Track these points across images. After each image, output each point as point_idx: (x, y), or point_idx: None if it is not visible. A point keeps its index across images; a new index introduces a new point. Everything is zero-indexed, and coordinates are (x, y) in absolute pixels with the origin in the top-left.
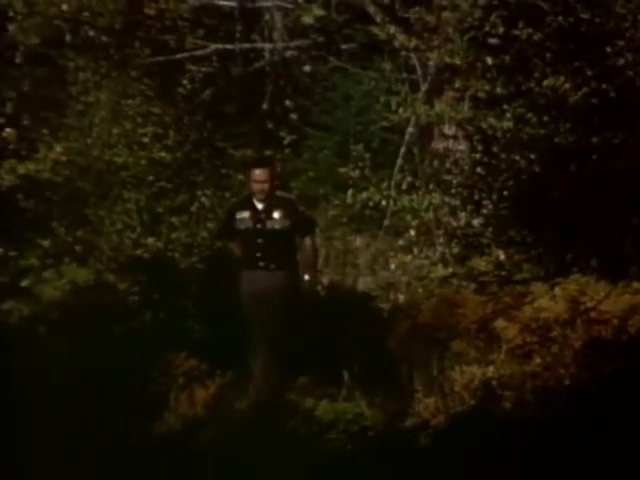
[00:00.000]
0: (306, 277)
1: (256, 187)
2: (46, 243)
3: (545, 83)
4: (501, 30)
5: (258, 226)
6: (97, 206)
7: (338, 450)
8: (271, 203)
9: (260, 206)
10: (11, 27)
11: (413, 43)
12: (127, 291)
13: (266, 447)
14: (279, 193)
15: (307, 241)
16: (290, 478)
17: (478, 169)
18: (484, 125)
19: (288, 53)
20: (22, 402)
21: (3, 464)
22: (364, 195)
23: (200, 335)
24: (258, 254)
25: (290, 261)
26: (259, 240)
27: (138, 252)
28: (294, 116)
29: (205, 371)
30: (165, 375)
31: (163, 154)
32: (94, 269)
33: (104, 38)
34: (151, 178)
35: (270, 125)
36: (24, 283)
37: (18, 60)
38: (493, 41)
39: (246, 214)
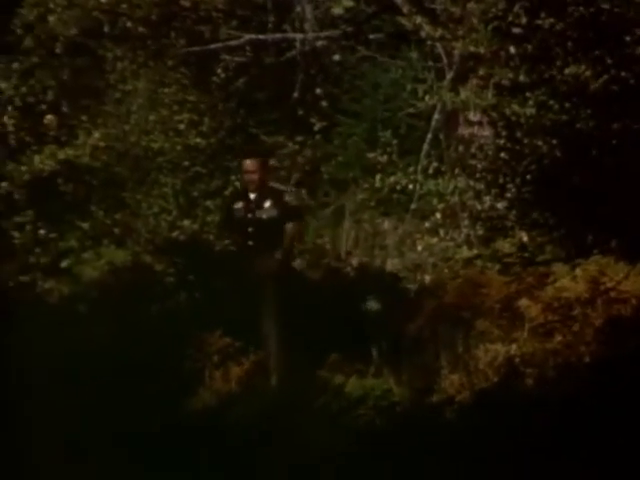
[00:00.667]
0: (276, 256)
1: (246, 177)
2: (85, 225)
3: (566, 71)
4: (524, 20)
5: (249, 215)
6: (134, 190)
7: (367, 425)
8: (262, 194)
9: (252, 196)
10: (51, 19)
11: (439, 33)
12: (163, 272)
13: (298, 422)
14: (273, 184)
15: (288, 226)
16: (322, 452)
17: (502, 154)
18: (508, 112)
19: (318, 43)
20: (63, 379)
21: (50, 436)
22: (392, 179)
23: (234, 314)
24: (250, 242)
25: (279, 248)
26: (250, 229)
27: (174, 234)
28: (324, 103)
29: (239, 349)
30: (200, 353)
31: (198, 140)
32: (132, 251)
33: (141, 29)
34: (186, 163)
35: (301, 112)
36: (64, 264)
37: (58, 50)
38: (516, 31)
39: (240, 204)
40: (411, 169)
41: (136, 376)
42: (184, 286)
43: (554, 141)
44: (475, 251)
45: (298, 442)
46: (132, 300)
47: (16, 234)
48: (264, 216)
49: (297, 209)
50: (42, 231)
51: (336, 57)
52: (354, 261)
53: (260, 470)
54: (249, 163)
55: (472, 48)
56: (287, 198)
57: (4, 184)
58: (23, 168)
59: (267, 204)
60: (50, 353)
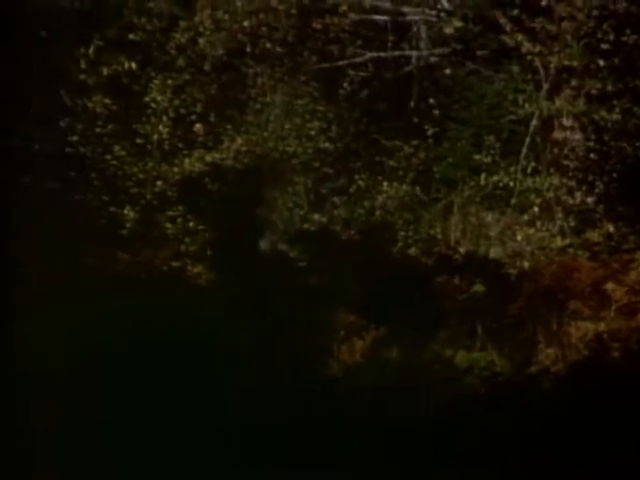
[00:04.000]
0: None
1: None
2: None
3: None
4: (611, 37)
5: None
6: (272, 188)
7: (473, 392)
8: None
9: None
10: (201, 41)
11: (537, 49)
12: (296, 258)
13: (413, 389)
14: None
15: None
16: (433, 417)
17: (591, 155)
18: (596, 117)
19: (432, 59)
20: (215, 347)
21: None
22: (495, 178)
23: (357, 295)
24: None
25: None
26: None
27: (306, 226)
28: (436, 112)
29: (362, 325)
30: (329, 328)
31: (327, 144)
32: (269, 240)
33: (279, 49)
34: (316, 164)
35: (416, 119)
36: (210, 252)
37: (207, 68)
38: (604, 46)
39: None
40: (512, 169)
41: (274, 348)
42: (314, 270)
43: (637, 143)
44: (568, 240)
45: (413, 407)
46: (269, 282)
47: (169, 226)
48: None
49: None
50: (191, 223)
51: (447, 71)
52: (462, 249)
53: (386, 426)
54: None
55: (566, 62)
56: None
57: (159, 183)
58: (175, 169)
59: None
60: (201, 324)
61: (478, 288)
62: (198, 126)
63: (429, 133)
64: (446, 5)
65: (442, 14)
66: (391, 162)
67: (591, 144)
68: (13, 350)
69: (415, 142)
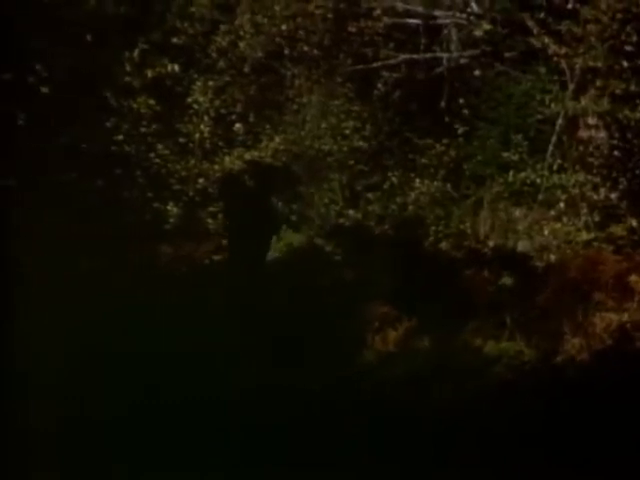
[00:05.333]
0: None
1: None
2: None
3: None
4: (634, 39)
5: None
6: (308, 185)
7: (502, 380)
8: None
9: None
10: (241, 44)
11: (563, 50)
12: (332, 252)
13: (444, 378)
14: None
15: None
16: (464, 403)
17: (615, 152)
18: (620, 116)
19: (462, 60)
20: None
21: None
22: (522, 175)
23: (390, 287)
24: None
25: None
26: None
27: (341, 221)
28: (466, 111)
29: (395, 316)
30: (364, 319)
31: (361, 143)
32: (306, 234)
33: (315, 51)
34: (351, 162)
35: (447, 119)
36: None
37: (246, 70)
38: (628, 48)
39: None
40: (539, 166)
41: (309, 337)
42: (349, 264)
43: None
44: (592, 235)
45: (444, 395)
46: (307, 275)
47: (210, 221)
48: None
49: None
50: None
51: (477, 72)
52: (491, 243)
53: (422, 409)
54: None
55: (591, 63)
56: None
57: (200, 180)
58: (216, 167)
59: None
60: (241, 321)
61: (506, 281)
62: (238, 125)
63: (459, 132)
64: (476, 9)
65: (472, 17)
66: (423, 160)
67: (615, 142)
68: (42, 350)
69: (446, 140)
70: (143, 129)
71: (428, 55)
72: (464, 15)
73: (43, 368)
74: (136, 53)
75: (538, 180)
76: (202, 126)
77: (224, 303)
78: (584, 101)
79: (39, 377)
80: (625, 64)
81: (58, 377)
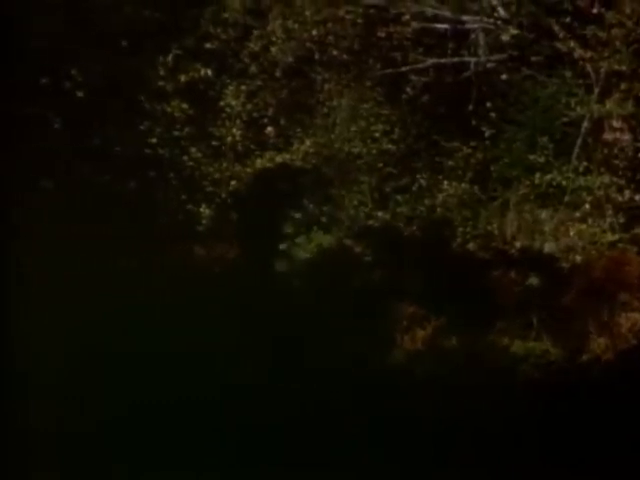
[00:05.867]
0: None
1: None
2: (298, 215)
3: None
4: None
5: None
6: (338, 187)
7: (530, 379)
8: None
9: None
10: (273, 49)
11: (588, 54)
12: (361, 253)
13: (471, 375)
14: None
15: None
16: (493, 400)
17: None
18: None
19: (489, 65)
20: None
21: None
22: (548, 177)
23: (418, 287)
24: None
25: None
26: None
27: (370, 222)
28: (493, 114)
29: (423, 316)
30: (392, 319)
31: (390, 146)
32: (336, 236)
33: (345, 56)
34: (380, 165)
35: (474, 122)
36: (282, 246)
37: (278, 74)
38: None
39: None
40: (564, 168)
41: (339, 336)
42: (378, 264)
43: None
44: (617, 236)
45: (471, 392)
46: (336, 276)
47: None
48: None
49: None
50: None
51: (504, 76)
52: (517, 244)
53: (450, 407)
54: None
55: (615, 67)
56: None
57: (233, 182)
58: (248, 169)
59: None
60: (271, 319)
61: (533, 281)
62: (269, 129)
63: (486, 135)
64: (503, 14)
65: (499, 22)
66: (450, 162)
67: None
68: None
69: (473, 143)
70: (176, 132)
71: (456, 59)
72: (491, 20)
73: (82, 366)
74: (170, 58)
75: (564, 182)
76: (234, 129)
77: (253, 303)
78: (609, 104)
79: (74, 376)
80: None
81: (95, 375)
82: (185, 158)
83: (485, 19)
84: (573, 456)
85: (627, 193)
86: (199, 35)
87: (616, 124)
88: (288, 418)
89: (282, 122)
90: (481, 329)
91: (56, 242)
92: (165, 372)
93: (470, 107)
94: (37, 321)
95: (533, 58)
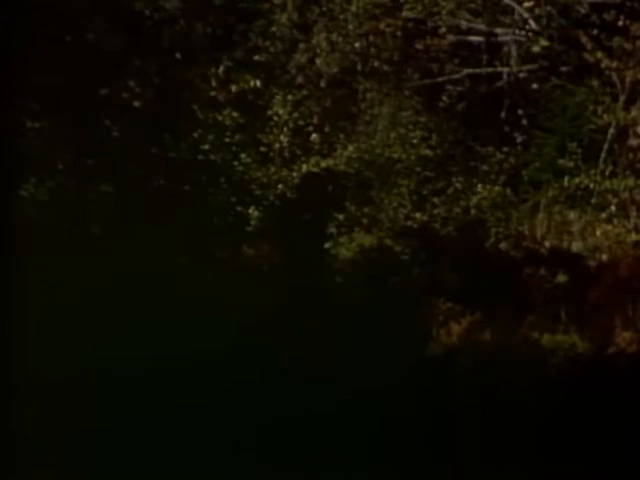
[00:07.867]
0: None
1: None
2: (341, 217)
3: None
4: None
5: None
6: (379, 190)
7: (558, 370)
8: None
9: None
10: (318, 61)
11: (614, 64)
12: (401, 252)
13: (504, 368)
14: None
15: None
16: (521, 392)
17: None
18: None
19: (521, 75)
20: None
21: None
22: (577, 180)
23: (454, 284)
24: None
25: None
26: None
27: (409, 223)
28: (525, 122)
29: (458, 311)
30: (429, 314)
31: (427, 151)
32: (377, 236)
33: (385, 67)
34: (418, 169)
35: (507, 129)
36: (326, 246)
37: (322, 84)
38: None
39: None
40: (592, 172)
41: (380, 331)
42: (417, 263)
43: None
44: None
45: (504, 386)
46: (378, 274)
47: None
48: None
49: None
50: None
51: (534, 86)
52: (547, 244)
53: (483, 396)
54: None
55: None
56: None
57: (280, 186)
58: (294, 174)
59: None
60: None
61: (561, 278)
62: (314, 136)
63: (518, 141)
64: (534, 26)
65: (530, 34)
66: (484, 167)
67: None
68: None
69: (506, 149)
70: (227, 139)
71: (489, 70)
72: (523, 32)
73: (128, 362)
74: (221, 70)
75: (591, 185)
76: (282, 136)
77: (298, 300)
78: (634, 112)
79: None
80: None
81: (151, 372)
82: (235, 163)
83: (517, 31)
84: (599, 444)
85: None
86: (249, 48)
87: None
88: (341, 408)
89: (326, 129)
90: (513, 323)
91: (116, 242)
92: (217, 366)
93: (503, 115)
94: (94, 317)
95: (562, 68)
